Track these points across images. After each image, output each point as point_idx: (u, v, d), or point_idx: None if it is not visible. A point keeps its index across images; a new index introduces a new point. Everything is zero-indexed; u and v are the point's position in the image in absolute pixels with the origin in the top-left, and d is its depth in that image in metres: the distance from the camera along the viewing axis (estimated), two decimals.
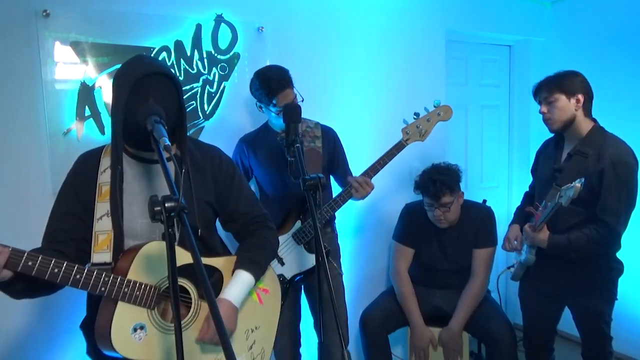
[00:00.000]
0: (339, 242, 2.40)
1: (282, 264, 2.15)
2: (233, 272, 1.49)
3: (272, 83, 2.05)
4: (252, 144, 2.24)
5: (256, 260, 1.53)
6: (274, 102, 2.06)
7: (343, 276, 2.36)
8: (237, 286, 1.46)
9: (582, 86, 2.04)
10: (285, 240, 2.14)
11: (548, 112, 2.07)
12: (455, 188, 2.35)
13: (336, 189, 2.37)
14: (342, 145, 2.36)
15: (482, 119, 3.52)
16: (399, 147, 2.23)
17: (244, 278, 1.47)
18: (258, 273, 1.52)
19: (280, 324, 2.19)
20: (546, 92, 2.07)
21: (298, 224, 2.16)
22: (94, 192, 1.38)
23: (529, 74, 3.49)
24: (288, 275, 2.15)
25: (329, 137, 2.29)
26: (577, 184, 1.80)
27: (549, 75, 2.12)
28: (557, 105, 2.04)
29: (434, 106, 2.28)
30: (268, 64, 2.43)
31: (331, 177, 2.37)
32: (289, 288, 2.16)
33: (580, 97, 2.02)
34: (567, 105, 2.03)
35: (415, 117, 2.27)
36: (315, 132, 2.25)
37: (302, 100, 2.11)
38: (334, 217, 2.32)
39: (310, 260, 2.15)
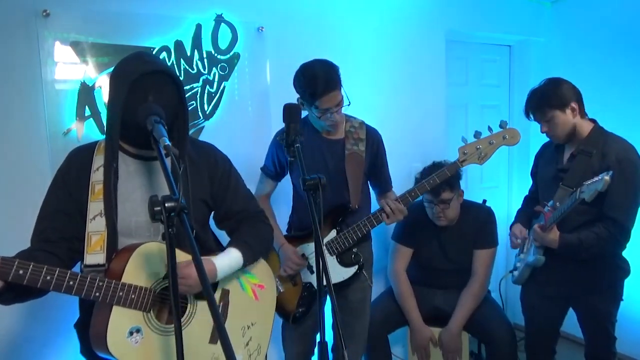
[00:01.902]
0: (372, 248, 2.28)
1: (312, 272, 2.08)
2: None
3: (317, 83, 1.85)
4: (277, 140, 2.12)
5: (248, 242, 1.52)
6: (316, 104, 1.90)
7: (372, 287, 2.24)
8: (224, 257, 1.45)
9: (570, 93, 2.01)
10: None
11: (549, 129, 2.06)
12: (455, 185, 2.35)
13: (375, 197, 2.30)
14: (384, 149, 2.20)
15: (482, 119, 3.52)
16: (452, 169, 2.04)
17: (232, 253, 1.47)
18: (248, 255, 1.50)
19: (298, 333, 2.15)
20: (539, 112, 2.05)
21: (333, 233, 2.06)
22: (86, 191, 1.36)
23: (529, 74, 3.49)
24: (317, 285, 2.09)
25: (373, 140, 2.14)
26: (606, 177, 1.75)
27: (533, 93, 2.07)
28: (555, 122, 2.03)
29: (500, 127, 2.06)
30: (268, 64, 2.44)
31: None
32: (316, 297, 2.05)
33: (574, 104, 2.01)
34: (565, 118, 2.02)
35: (475, 137, 2.05)
36: (359, 134, 2.11)
37: (349, 104, 1.99)
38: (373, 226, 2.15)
39: (342, 273, 2.06)
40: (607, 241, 1.96)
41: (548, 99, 2.02)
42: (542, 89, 2.06)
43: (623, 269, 2.10)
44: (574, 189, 1.91)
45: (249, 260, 1.52)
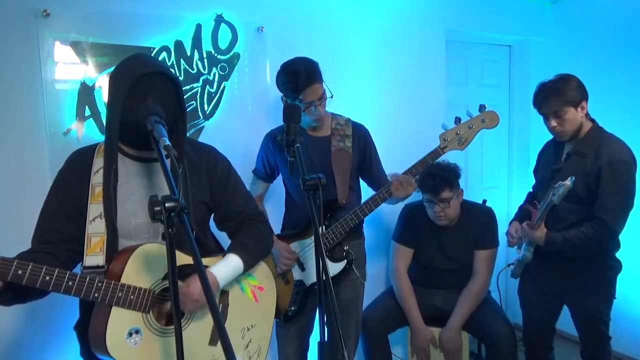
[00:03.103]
0: (365, 247, 2.30)
1: (303, 269, 2.09)
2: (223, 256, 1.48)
3: (299, 77, 1.92)
4: (277, 140, 2.13)
5: (247, 245, 1.52)
6: (300, 97, 1.95)
7: (364, 283, 2.26)
8: (224, 265, 1.44)
9: (582, 91, 2.02)
10: (307, 245, 2.08)
11: (559, 125, 2.05)
12: (454, 183, 2.35)
13: (366, 194, 2.29)
14: (374, 144, 2.23)
15: None
16: (434, 156, 2.06)
17: (232, 260, 1.46)
18: (248, 260, 1.50)
19: (291, 333, 2.15)
20: (556, 106, 2.02)
21: (321, 229, 2.09)
22: (86, 193, 1.36)
23: (529, 74, 3.49)
24: (307, 282, 2.09)
25: (360, 136, 2.17)
26: (567, 182, 1.82)
27: (548, 86, 2.05)
28: (567, 117, 2.02)
29: (479, 111, 2.08)
30: (268, 64, 2.44)
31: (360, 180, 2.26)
32: (308, 295, 2.09)
33: (584, 104, 2.02)
34: (576, 116, 2.02)
35: (455, 122, 2.09)
36: (345, 130, 2.14)
37: (332, 97, 2.03)
38: (361, 221, 2.18)
39: (331, 268, 2.07)
40: (593, 241, 1.97)
41: (565, 92, 2.00)
42: (559, 85, 2.02)
43: (614, 268, 2.11)
44: (551, 191, 1.94)
45: (249, 264, 1.52)
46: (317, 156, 2.11)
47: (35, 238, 1.35)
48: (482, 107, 2.09)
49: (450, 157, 2.26)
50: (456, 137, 2.08)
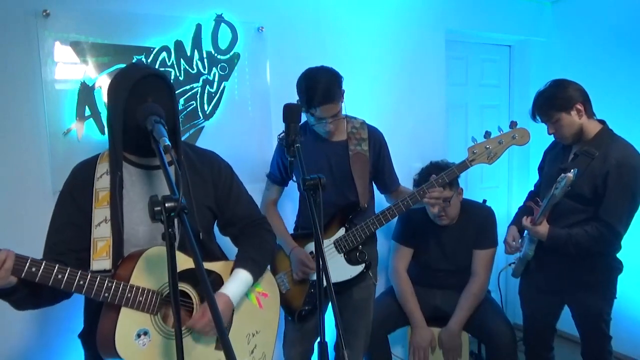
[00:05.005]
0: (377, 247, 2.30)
1: None
2: (232, 271, 1.49)
3: (315, 92, 1.88)
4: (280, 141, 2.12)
5: (255, 259, 1.53)
6: (311, 111, 1.95)
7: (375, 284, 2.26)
8: (235, 283, 1.45)
9: (576, 94, 2.02)
10: (325, 246, 2.05)
11: (556, 131, 2.08)
12: (453, 182, 2.36)
13: (378, 195, 2.30)
14: (387, 147, 2.21)
15: (482, 119, 3.52)
16: (461, 168, 2.05)
17: (242, 276, 1.47)
18: (257, 272, 1.52)
19: (301, 333, 2.14)
20: (545, 116, 2.07)
21: (342, 231, 2.08)
22: (91, 199, 1.37)
23: (529, 74, 3.49)
24: (323, 282, 2.07)
25: (375, 139, 2.16)
26: (570, 174, 1.82)
27: (538, 95, 2.09)
28: (561, 124, 2.05)
29: (510, 127, 2.06)
30: (268, 64, 2.44)
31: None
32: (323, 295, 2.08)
33: (579, 105, 2.02)
34: (571, 120, 2.03)
35: (485, 137, 2.06)
36: (361, 134, 2.14)
37: (345, 117, 2.04)
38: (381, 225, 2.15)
39: (348, 271, 2.07)
40: (597, 240, 1.98)
41: (553, 101, 2.03)
42: (547, 92, 2.07)
43: (616, 268, 2.12)
44: (554, 185, 1.93)
45: (258, 276, 1.53)
46: (335, 161, 2.11)
47: (46, 250, 1.37)
48: (513, 124, 2.07)
49: (451, 156, 2.26)
50: (485, 151, 2.06)
